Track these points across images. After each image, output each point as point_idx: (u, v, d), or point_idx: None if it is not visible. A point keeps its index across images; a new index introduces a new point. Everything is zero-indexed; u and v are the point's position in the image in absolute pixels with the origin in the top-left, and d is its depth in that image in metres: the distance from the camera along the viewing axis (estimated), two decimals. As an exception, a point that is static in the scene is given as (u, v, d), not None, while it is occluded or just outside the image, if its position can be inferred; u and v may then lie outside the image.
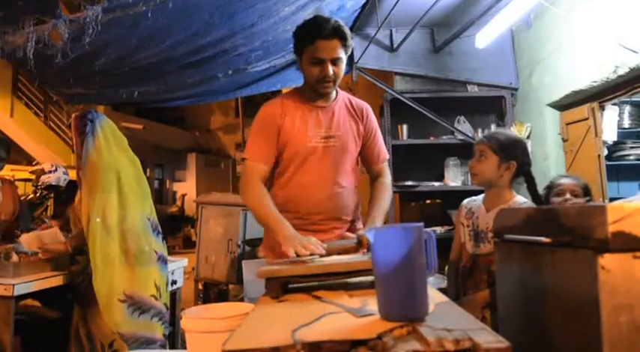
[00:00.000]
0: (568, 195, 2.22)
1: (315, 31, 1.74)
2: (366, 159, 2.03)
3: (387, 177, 2.03)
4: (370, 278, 1.30)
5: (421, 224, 1.06)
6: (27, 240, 2.67)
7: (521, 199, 2.02)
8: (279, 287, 1.40)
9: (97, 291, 2.25)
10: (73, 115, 2.54)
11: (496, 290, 1.49)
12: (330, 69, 1.76)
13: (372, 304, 1.13)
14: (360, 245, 1.66)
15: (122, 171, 2.44)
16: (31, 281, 2.30)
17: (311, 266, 1.44)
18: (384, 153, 2.05)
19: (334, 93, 1.93)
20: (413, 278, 1.02)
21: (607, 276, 0.99)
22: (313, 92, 1.87)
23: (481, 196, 2.14)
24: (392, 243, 1.02)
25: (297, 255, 1.53)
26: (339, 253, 1.62)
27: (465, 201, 2.21)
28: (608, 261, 0.99)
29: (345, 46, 1.78)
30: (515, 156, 2.00)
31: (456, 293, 2.10)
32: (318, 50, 1.75)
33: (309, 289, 1.42)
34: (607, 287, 0.99)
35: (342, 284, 1.43)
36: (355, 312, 1.12)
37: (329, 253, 1.59)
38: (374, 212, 1.88)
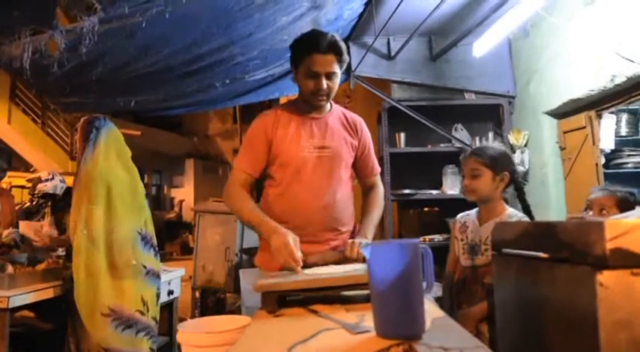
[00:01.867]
0: (591, 212, 2.15)
1: (312, 45, 1.78)
2: (359, 172, 2.07)
3: (380, 189, 2.09)
4: (367, 291, 1.29)
5: (417, 240, 1.06)
6: (22, 226, 2.70)
7: (513, 211, 2.05)
8: (276, 301, 1.39)
9: (77, 303, 2.23)
10: (82, 119, 2.53)
11: (493, 302, 1.48)
12: (324, 83, 1.80)
13: (368, 320, 1.13)
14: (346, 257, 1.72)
15: (114, 183, 2.42)
16: (26, 293, 2.29)
17: (308, 281, 1.43)
18: (377, 166, 2.10)
19: (328, 105, 1.96)
20: (409, 296, 1.01)
21: (605, 293, 0.99)
22: (307, 105, 1.90)
23: (474, 210, 2.17)
24: (388, 260, 1.02)
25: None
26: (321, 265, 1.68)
27: (459, 216, 2.24)
28: (606, 277, 0.99)
29: (340, 61, 1.81)
30: (506, 167, 2.05)
31: (450, 306, 2.11)
32: (314, 64, 1.78)
33: (306, 302, 1.42)
34: (605, 304, 0.99)
35: (340, 297, 1.42)
36: (351, 329, 1.11)
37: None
38: (365, 223, 1.92)
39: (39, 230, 2.76)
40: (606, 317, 0.98)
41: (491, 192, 2.03)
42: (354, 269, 1.51)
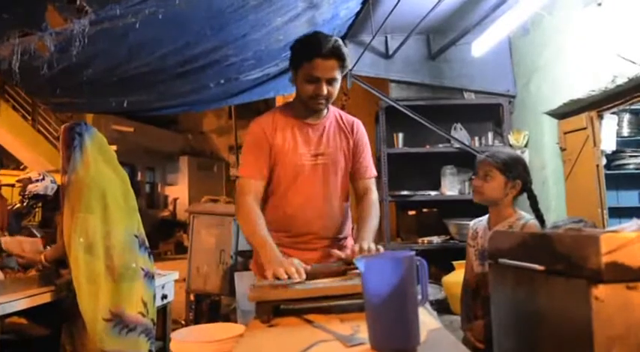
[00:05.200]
0: (474, 177, 2.14)
1: (314, 49, 1.74)
2: (352, 173, 2.01)
3: (375, 194, 2.01)
4: (362, 300, 1.30)
5: (412, 252, 1.07)
6: (7, 242, 2.67)
7: (522, 214, 2.04)
8: (270, 311, 1.41)
9: (82, 310, 2.24)
10: (62, 127, 2.53)
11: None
12: (325, 88, 1.77)
13: (363, 331, 1.14)
14: (347, 267, 1.64)
15: (108, 188, 2.43)
16: (17, 299, 2.28)
17: (302, 290, 1.44)
18: (371, 169, 2.04)
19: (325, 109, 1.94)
20: (404, 309, 1.02)
21: (600, 307, 1.00)
22: (305, 108, 1.88)
23: (486, 216, 2.16)
24: (382, 273, 1.03)
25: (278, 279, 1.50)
26: (324, 276, 1.59)
27: (472, 222, 2.24)
28: (601, 291, 1.00)
29: (342, 66, 1.78)
30: (519, 174, 2.03)
31: (467, 315, 2.13)
32: (314, 68, 1.74)
33: (301, 311, 1.43)
34: (600, 318, 1.00)
35: (334, 306, 1.43)
36: (346, 341, 1.12)
37: (314, 276, 1.56)
38: (363, 232, 1.85)
39: (24, 246, 2.72)
40: (601, 330, 1.00)
41: (500, 198, 2.02)
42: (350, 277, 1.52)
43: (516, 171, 2.02)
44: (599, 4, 3.07)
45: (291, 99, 2.01)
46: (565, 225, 2.00)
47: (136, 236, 2.50)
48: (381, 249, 1.70)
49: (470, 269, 2.16)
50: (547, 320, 1.17)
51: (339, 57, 1.75)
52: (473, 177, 2.12)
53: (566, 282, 1.09)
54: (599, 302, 1.00)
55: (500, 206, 2.04)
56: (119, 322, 2.31)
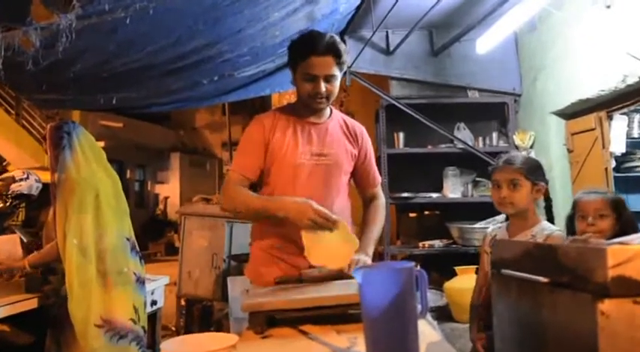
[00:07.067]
0: (590, 219, 2.02)
1: (309, 47, 1.80)
2: (360, 182, 2.08)
3: (381, 200, 2.10)
4: (359, 310, 1.31)
5: (411, 264, 1.07)
6: None
7: (547, 224, 2.02)
8: (264, 321, 1.41)
9: (72, 316, 2.24)
10: (48, 126, 2.53)
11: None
12: (323, 86, 1.81)
13: (360, 343, 1.15)
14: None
15: (101, 188, 2.43)
16: (0, 306, 2.28)
17: (297, 300, 1.45)
18: (378, 176, 2.12)
19: (328, 110, 1.98)
20: (403, 323, 1.03)
21: (607, 322, 1.00)
22: (306, 108, 1.92)
23: (505, 223, 2.16)
24: (380, 285, 1.03)
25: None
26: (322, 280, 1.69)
27: (490, 228, 2.24)
28: (608, 306, 1.00)
29: (339, 63, 1.83)
30: (542, 177, 2.02)
31: (478, 325, 2.11)
32: (311, 66, 1.80)
33: (296, 321, 1.43)
34: (607, 333, 1.00)
35: (330, 317, 1.44)
36: (343, 355, 1.13)
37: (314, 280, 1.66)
38: (365, 239, 1.92)
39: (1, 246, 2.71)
40: (607, 346, 1.00)
41: (528, 205, 2.00)
42: (347, 284, 1.53)
43: (539, 173, 2.02)
44: (608, 7, 3.08)
45: (287, 97, 2.06)
46: None
47: (128, 239, 2.50)
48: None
49: (485, 277, 2.13)
50: (551, 334, 1.17)
51: (334, 53, 1.80)
52: (489, 187, 2.10)
53: (571, 296, 1.09)
54: (605, 317, 1.00)
55: (527, 213, 2.01)
56: (110, 329, 2.31)
